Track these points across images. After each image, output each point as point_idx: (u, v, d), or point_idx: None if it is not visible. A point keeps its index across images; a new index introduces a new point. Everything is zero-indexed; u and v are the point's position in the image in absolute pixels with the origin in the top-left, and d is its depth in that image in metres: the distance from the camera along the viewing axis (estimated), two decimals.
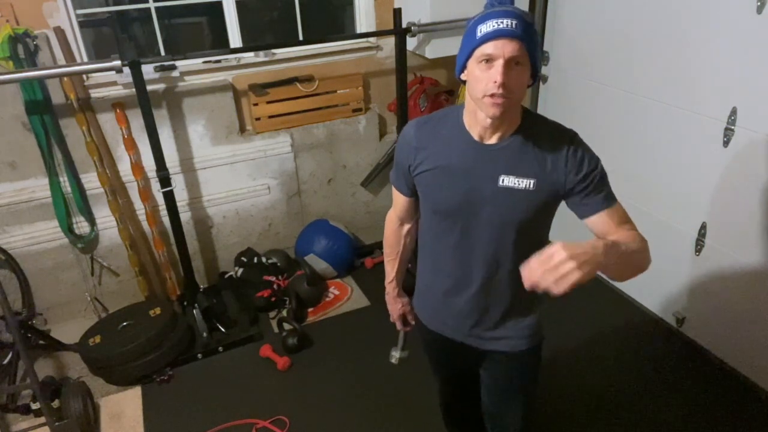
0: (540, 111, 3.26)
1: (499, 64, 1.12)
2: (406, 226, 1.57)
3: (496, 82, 1.12)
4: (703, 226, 2.43)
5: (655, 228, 2.66)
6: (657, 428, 2.23)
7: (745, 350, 2.40)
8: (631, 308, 2.90)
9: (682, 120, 2.40)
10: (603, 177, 1.27)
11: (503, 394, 1.57)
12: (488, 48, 1.13)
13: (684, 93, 2.37)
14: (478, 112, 1.22)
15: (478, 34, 1.14)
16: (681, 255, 2.56)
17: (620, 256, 1.09)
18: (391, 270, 1.65)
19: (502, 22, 1.11)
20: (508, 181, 1.25)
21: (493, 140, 1.26)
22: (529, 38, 1.14)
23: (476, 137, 1.27)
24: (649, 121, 2.57)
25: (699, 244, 2.47)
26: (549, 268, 0.98)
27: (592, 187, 1.25)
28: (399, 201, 1.51)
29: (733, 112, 2.18)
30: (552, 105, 3.18)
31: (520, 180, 1.24)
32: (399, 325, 1.74)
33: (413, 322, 1.70)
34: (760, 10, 2.00)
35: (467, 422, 1.81)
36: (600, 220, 1.26)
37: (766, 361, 2.31)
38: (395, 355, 1.87)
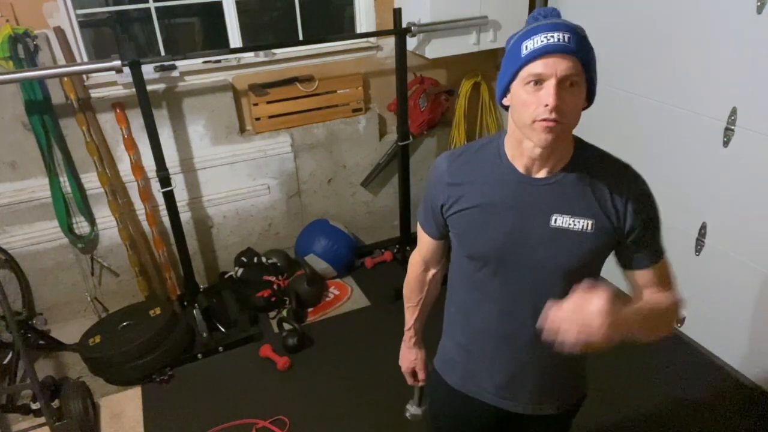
0: None
1: (550, 84, 0.97)
2: (432, 271, 1.38)
3: (548, 105, 0.97)
4: (703, 226, 2.43)
5: None
6: (656, 428, 2.23)
7: (745, 350, 2.40)
8: None
9: (682, 120, 2.40)
10: (659, 225, 1.13)
11: None
12: (537, 67, 0.97)
13: (684, 93, 2.37)
14: (524, 141, 1.06)
15: (524, 52, 0.99)
16: (681, 255, 2.56)
17: (651, 329, 1.07)
18: (410, 317, 1.44)
19: (552, 36, 0.97)
20: (561, 221, 1.08)
21: (542, 174, 1.10)
22: (585, 54, 1.00)
23: (522, 170, 1.10)
24: (649, 121, 2.57)
25: (699, 244, 2.47)
26: (582, 322, 0.89)
27: (648, 236, 1.12)
28: (426, 243, 1.32)
29: (733, 112, 2.18)
30: None
31: (577, 220, 1.08)
32: (409, 380, 1.55)
33: (423, 377, 1.51)
34: (760, 10, 2.00)
35: None
36: (645, 276, 1.15)
37: (767, 361, 2.31)
38: (410, 409, 1.66)
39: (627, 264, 1.15)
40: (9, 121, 2.54)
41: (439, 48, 2.94)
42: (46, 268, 2.85)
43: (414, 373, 1.52)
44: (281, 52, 2.96)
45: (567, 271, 1.11)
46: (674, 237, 2.57)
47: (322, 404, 2.42)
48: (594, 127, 2.89)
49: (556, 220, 1.09)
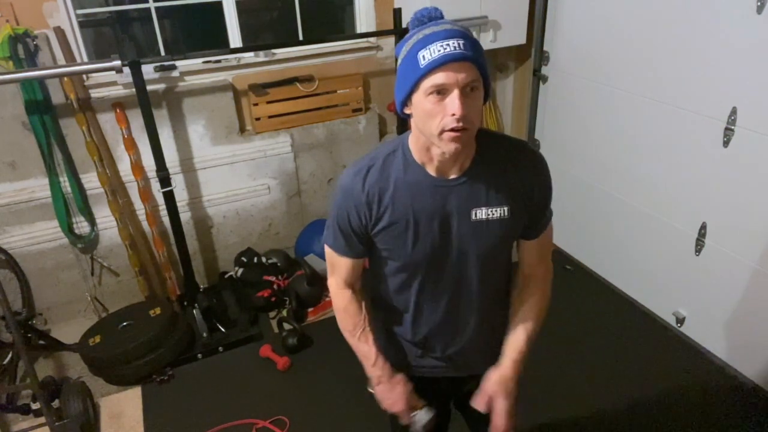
0: (540, 111, 3.27)
1: (454, 94, 0.98)
2: (357, 287, 1.33)
3: (454, 114, 0.98)
4: (703, 226, 2.43)
5: (655, 228, 2.67)
6: (656, 428, 2.23)
7: (745, 350, 2.40)
8: (631, 308, 2.90)
9: (682, 120, 2.40)
10: (551, 193, 1.22)
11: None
12: (438, 78, 0.98)
13: (684, 93, 2.37)
14: (432, 148, 1.09)
15: (422, 62, 0.98)
16: (681, 255, 2.56)
17: (529, 347, 1.24)
18: (368, 348, 1.32)
19: (448, 44, 0.96)
20: (480, 213, 1.14)
21: (454, 173, 1.13)
22: (479, 56, 1.00)
23: (435, 174, 1.13)
24: (649, 121, 2.57)
25: (699, 244, 2.47)
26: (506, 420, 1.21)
27: (544, 205, 1.21)
28: (345, 267, 1.28)
29: (733, 112, 2.18)
30: (552, 105, 3.18)
31: (494, 210, 1.14)
32: (406, 418, 1.34)
33: (421, 403, 1.36)
34: (760, 10, 2.00)
35: None
36: (536, 246, 1.25)
37: (766, 361, 2.31)
38: (424, 418, 1.36)
39: (525, 235, 1.24)
40: (9, 121, 2.54)
41: None
42: (46, 268, 2.85)
43: (410, 405, 1.34)
44: (281, 52, 2.96)
45: (484, 256, 1.19)
46: (674, 237, 2.57)
47: (322, 404, 2.41)
48: (594, 127, 2.90)
49: (475, 213, 1.14)
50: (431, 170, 1.13)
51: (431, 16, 1.04)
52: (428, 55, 0.98)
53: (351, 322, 1.33)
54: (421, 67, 0.98)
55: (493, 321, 1.32)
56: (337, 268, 1.30)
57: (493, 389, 1.22)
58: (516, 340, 1.24)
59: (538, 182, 1.17)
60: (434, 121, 1.01)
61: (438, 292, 1.24)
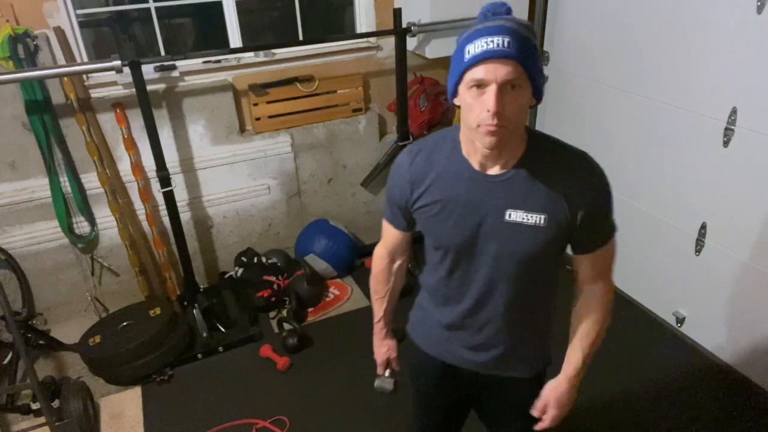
0: (540, 111, 3.26)
1: (491, 89, 1.00)
2: (397, 263, 1.44)
3: (489, 110, 1.01)
4: (703, 226, 2.43)
5: (655, 228, 2.67)
6: (655, 427, 2.23)
7: (745, 350, 2.40)
8: (631, 308, 2.90)
9: (682, 120, 2.40)
10: (611, 210, 1.18)
11: (510, 424, 1.47)
12: (478, 72, 1.00)
13: (684, 93, 2.37)
14: (475, 141, 1.11)
15: (466, 56, 1.01)
16: (681, 255, 2.56)
17: (597, 352, 1.28)
18: (379, 309, 1.49)
19: (492, 41, 0.99)
20: (515, 216, 1.14)
21: (495, 170, 1.14)
22: (526, 55, 1.00)
23: (477, 167, 1.15)
24: (649, 121, 2.57)
25: (699, 244, 2.47)
26: (562, 412, 1.29)
27: (600, 223, 1.18)
28: (391, 235, 1.39)
29: (733, 112, 2.18)
30: (552, 105, 3.18)
31: (530, 215, 1.13)
32: (381, 370, 1.55)
33: (398, 368, 1.56)
34: (760, 10, 2.00)
35: None
36: (588, 261, 1.24)
37: (766, 361, 2.31)
38: (386, 385, 1.54)
39: (576, 248, 1.23)
40: (9, 121, 2.54)
41: (439, 48, 2.94)
42: (46, 268, 2.85)
43: (388, 363, 1.54)
44: (281, 52, 2.96)
45: (521, 260, 1.19)
46: (674, 237, 2.57)
47: (322, 404, 2.41)
48: (594, 127, 2.90)
49: (510, 215, 1.14)
50: (474, 163, 1.16)
51: (495, 11, 1.05)
52: (472, 49, 1.01)
53: (376, 285, 1.47)
54: (465, 60, 1.02)
55: (523, 330, 1.33)
56: (385, 236, 1.41)
57: (548, 398, 1.30)
58: (573, 357, 1.30)
59: (590, 197, 1.13)
60: (473, 114, 1.05)
61: (468, 281, 1.26)
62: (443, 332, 1.37)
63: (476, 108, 1.04)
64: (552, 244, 1.17)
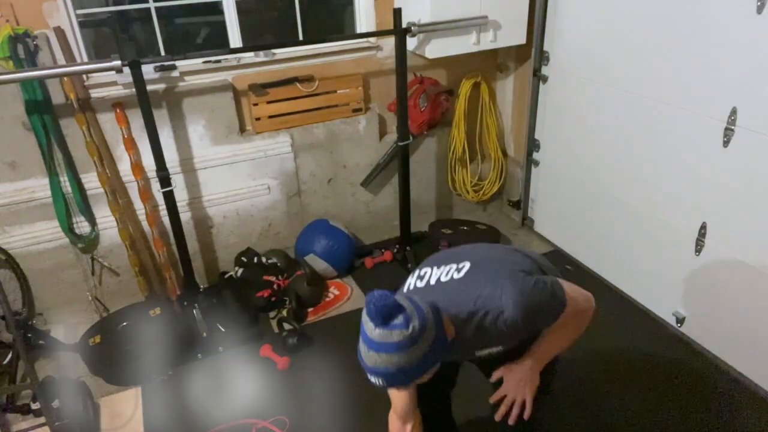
0: (540, 111, 3.27)
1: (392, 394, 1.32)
2: (409, 426, 1.50)
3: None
4: (703, 226, 2.43)
5: (655, 228, 2.67)
6: (655, 428, 2.23)
7: (746, 350, 2.40)
8: (631, 308, 2.90)
9: (682, 120, 2.40)
10: (549, 312, 1.30)
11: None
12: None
13: (684, 93, 2.37)
14: None
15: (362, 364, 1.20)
16: (681, 255, 2.56)
17: (566, 345, 1.43)
18: None
19: (372, 379, 1.19)
20: (483, 351, 1.37)
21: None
22: (405, 381, 1.17)
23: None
24: (648, 121, 2.57)
25: (699, 244, 2.47)
26: (522, 391, 1.42)
27: (545, 324, 1.36)
28: (399, 397, 1.46)
29: (733, 112, 2.18)
30: (552, 105, 3.18)
31: (491, 349, 1.36)
32: None
33: None
34: (760, 10, 2.00)
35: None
36: (553, 327, 1.38)
37: (766, 361, 2.31)
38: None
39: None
40: (9, 121, 2.54)
41: (439, 48, 2.94)
42: (46, 268, 2.85)
43: None
44: (281, 52, 2.96)
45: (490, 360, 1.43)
46: (674, 237, 2.57)
47: (322, 404, 2.41)
48: (594, 127, 2.90)
49: (479, 352, 1.38)
50: None
51: (374, 311, 1.12)
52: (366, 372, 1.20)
53: None
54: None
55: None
56: (393, 402, 1.52)
57: (505, 369, 1.46)
58: (535, 349, 1.44)
59: (523, 330, 1.28)
60: None
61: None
62: None
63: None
64: (511, 347, 1.39)
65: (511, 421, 1.40)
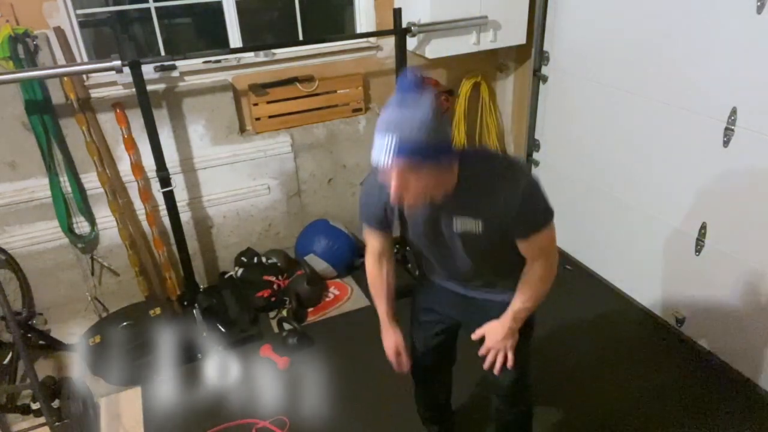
0: (540, 111, 3.27)
1: (393, 176, 1.19)
2: (385, 265, 1.67)
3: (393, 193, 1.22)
4: (703, 226, 2.43)
5: (655, 228, 2.67)
6: (655, 428, 2.23)
7: (745, 350, 2.40)
8: (631, 308, 2.90)
9: (682, 120, 2.40)
10: (538, 208, 1.38)
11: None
12: (379, 162, 1.20)
13: (684, 93, 2.37)
14: None
15: (373, 154, 1.20)
16: (681, 255, 2.56)
17: (537, 304, 1.53)
18: (381, 306, 1.70)
19: (380, 155, 1.17)
20: (460, 224, 1.40)
21: (440, 198, 1.35)
22: (414, 152, 1.16)
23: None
24: (649, 121, 2.57)
25: (699, 244, 2.47)
26: (502, 345, 1.56)
27: (529, 218, 1.38)
28: (374, 239, 1.62)
29: (733, 112, 2.18)
30: (552, 105, 3.18)
31: (470, 221, 1.39)
32: (395, 363, 1.73)
33: (407, 360, 1.74)
34: (760, 10, 2.00)
35: (439, 386, 2.05)
36: (525, 245, 1.44)
37: (766, 361, 2.31)
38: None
39: (514, 236, 1.43)
40: (9, 121, 2.54)
41: (439, 48, 2.94)
42: (46, 268, 2.85)
43: (398, 354, 1.72)
44: (281, 52, 2.96)
45: (468, 249, 1.47)
46: (674, 237, 2.57)
47: (322, 404, 2.42)
48: (594, 127, 2.90)
49: (456, 220, 1.40)
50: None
51: (405, 89, 1.19)
52: (376, 142, 1.19)
53: (375, 290, 1.71)
54: (372, 158, 1.21)
55: (495, 292, 1.62)
56: (369, 244, 1.67)
57: (486, 328, 1.59)
58: (511, 306, 1.55)
59: (514, 209, 1.34)
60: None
61: (441, 261, 1.58)
62: (439, 284, 1.71)
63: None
64: (492, 241, 1.42)
65: (496, 371, 1.58)
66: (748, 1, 2.03)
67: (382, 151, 1.17)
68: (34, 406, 2.29)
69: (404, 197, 1.24)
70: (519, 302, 1.54)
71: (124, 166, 2.81)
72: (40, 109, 2.52)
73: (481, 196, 1.35)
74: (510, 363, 1.58)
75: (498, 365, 1.58)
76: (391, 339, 1.71)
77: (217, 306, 2.94)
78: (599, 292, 3.03)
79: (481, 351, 1.60)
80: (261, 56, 2.89)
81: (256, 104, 2.96)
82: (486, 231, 1.39)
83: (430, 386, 2.05)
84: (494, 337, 1.57)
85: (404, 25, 2.78)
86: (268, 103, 2.98)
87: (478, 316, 1.63)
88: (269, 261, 3.15)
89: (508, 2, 2.95)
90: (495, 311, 1.58)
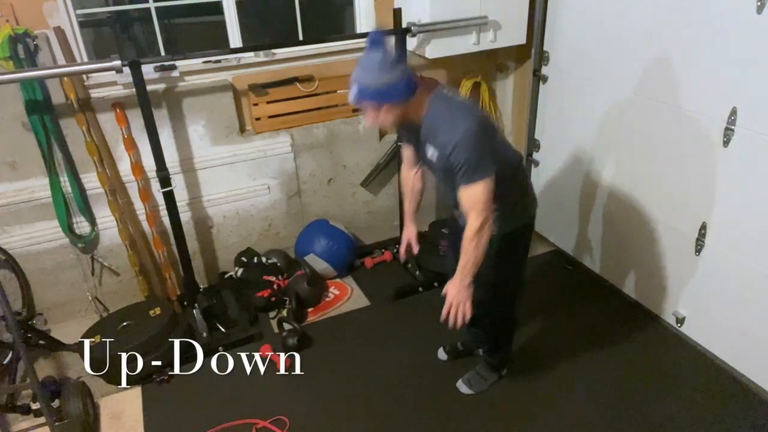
0: (540, 111, 3.27)
1: (364, 113, 1.74)
2: (414, 170, 2.12)
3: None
4: (703, 226, 2.43)
5: (655, 228, 2.67)
6: (655, 428, 2.23)
7: (745, 350, 2.40)
8: (631, 308, 2.90)
9: (682, 120, 2.40)
10: (473, 161, 1.66)
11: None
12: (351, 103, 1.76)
13: (684, 93, 2.37)
14: None
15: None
16: (681, 255, 2.56)
17: (479, 259, 1.78)
18: (408, 204, 2.21)
19: (351, 91, 1.70)
20: (429, 149, 1.79)
21: (417, 121, 1.78)
22: (367, 95, 1.67)
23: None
24: (648, 121, 2.57)
25: (699, 244, 2.47)
26: (458, 300, 1.84)
27: (464, 167, 1.68)
28: (406, 150, 2.08)
29: (733, 112, 2.18)
30: (552, 105, 3.18)
31: (431, 149, 1.77)
32: (402, 251, 2.24)
33: (417, 249, 2.24)
34: (760, 10, 2.00)
35: None
36: (461, 194, 1.73)
37: (766, 361, 2.31)
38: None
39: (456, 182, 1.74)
40: (9, 121, 2.54)
41: (439, 48, 2.94)
42: (46, 268, 2.85)
43: (409, 245, 2.23)
44: (281, 52, 2.96)
45: (442, 173, 1.83)
46: (674, 237, 2.57)
47: (322, 404, 2.42)
48: (594, 127, 2.90)
49: (427, 149, 1.80)
50: None
51: (373, 40, 1.65)
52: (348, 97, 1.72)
53: (406, 189, 2.21)
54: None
55: None
56: (404, 156, 2.13)
57: (445, 288, 1.87)
58: (458, 268, 1.83)
59: (451, 146, 1.67)
60: None
61: (437, 180, 1.96)
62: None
63: None
64: (448, 168, 1.72)
65: (451, 322, 1.84)
66: (748, 1, 2.03)
67: (351, 97, 1.69)
68: (34, 406, 2.29)
69: (378, 125, 1.73)
70: (463, 262, 1.79)
71: (124, 166, 2.81)
72: (40, 109, 2.52)
73: (436, 130, 1.71)
74: (467, 316, 1.83)
75: (457, 320, 1.83)
76: (407, 231, 2.23)
77: (217, 306, 2.94)
78: (599, 293, 3.03)
79: (444, 310, 1.85)
80: (261, 56, 2.89)
81: (256, 104, 2.96)
82: (439, 162, 1.75)
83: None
84: (453, 292, 1.84)
85: (404, 25, 2.78)
86: (268, 103, 2.98)
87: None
88: (269, 261, 3.15)
89: (508, 2, 2.95)
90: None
